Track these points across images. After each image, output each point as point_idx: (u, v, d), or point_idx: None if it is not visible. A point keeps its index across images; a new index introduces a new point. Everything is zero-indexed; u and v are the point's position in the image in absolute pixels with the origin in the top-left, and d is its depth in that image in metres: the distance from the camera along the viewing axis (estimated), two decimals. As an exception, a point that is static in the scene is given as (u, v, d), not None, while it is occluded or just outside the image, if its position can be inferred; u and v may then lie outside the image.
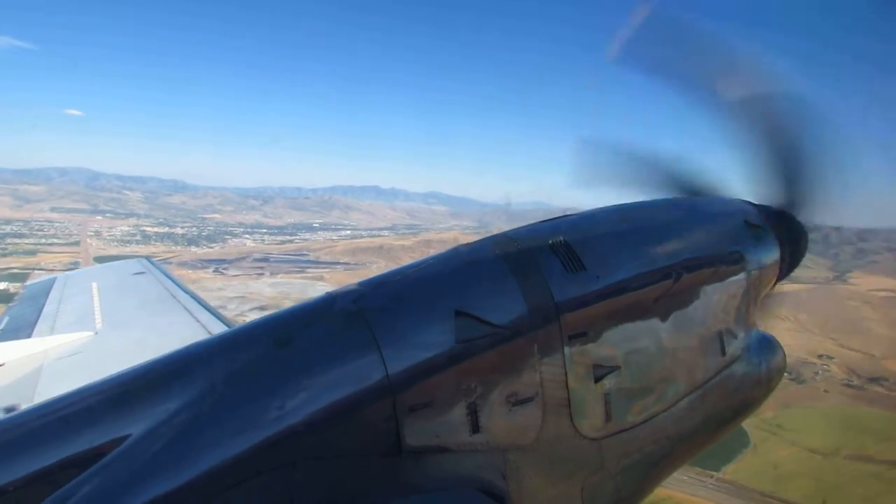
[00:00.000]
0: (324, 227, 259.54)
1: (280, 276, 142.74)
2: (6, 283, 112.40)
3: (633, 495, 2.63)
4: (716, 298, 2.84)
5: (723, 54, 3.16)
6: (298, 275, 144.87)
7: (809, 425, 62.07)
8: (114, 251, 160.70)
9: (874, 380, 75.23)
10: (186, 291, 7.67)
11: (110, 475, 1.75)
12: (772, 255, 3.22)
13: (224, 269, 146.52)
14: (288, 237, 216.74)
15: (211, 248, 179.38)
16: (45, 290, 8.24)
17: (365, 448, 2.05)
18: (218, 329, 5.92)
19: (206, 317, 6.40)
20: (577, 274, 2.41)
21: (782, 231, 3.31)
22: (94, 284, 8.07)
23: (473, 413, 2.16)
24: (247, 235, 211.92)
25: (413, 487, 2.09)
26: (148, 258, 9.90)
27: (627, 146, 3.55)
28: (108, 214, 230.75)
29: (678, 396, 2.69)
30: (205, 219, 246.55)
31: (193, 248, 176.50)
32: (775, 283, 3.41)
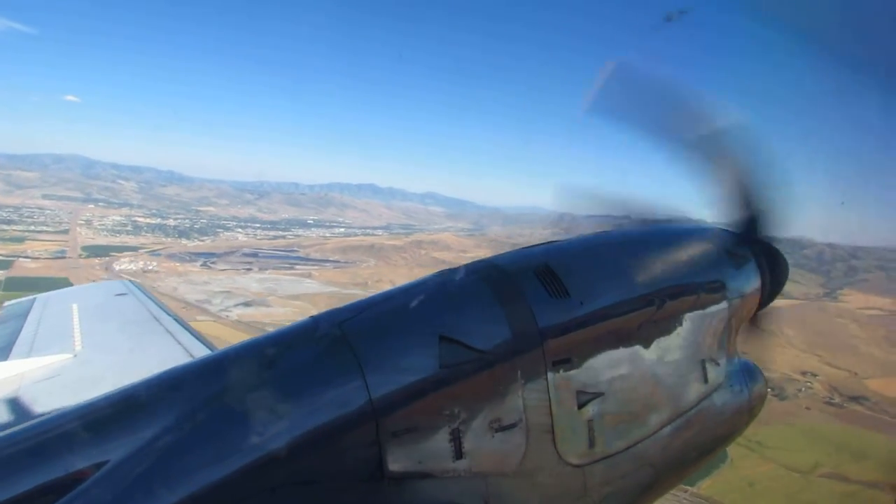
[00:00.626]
0: (318, 224, 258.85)
1: (268, 271, 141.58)
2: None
3: None
4: (698, 326, 2.86)
5: (681, 99, 3.29)
6: (287, 271, 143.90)
7: (789, 442, 61.45)
8: (103, 241, 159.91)
9: (855, 399, 74.76)
10: (169, 314, 7.57)
11: (88, 502, 1.74)
12: (752, 284, 3.26)
13: (212, 262, 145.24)
14: (281, 233, 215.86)
15: (202, 241, 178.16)
16: (25, 311, 8.04)
17: (346, 474, 2.05)
18: (200, 352, 5.93)
19: (188, 340, 6.35)
20: (562, 300, 2.42)
21: (763, 259, 3.35)
22: (75, 306, 7.89)
23: (457, 439, 2.16)
24: (239, 229, 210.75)
25: None
26: (132, 281, 9.73)
27: (605, 195, 3.57)
28: (100, 203, 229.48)
29: (661, 423, 2.69)
30: (199, 211, 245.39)
31: (184, 241, 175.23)
32: (756, 311, 3.46)
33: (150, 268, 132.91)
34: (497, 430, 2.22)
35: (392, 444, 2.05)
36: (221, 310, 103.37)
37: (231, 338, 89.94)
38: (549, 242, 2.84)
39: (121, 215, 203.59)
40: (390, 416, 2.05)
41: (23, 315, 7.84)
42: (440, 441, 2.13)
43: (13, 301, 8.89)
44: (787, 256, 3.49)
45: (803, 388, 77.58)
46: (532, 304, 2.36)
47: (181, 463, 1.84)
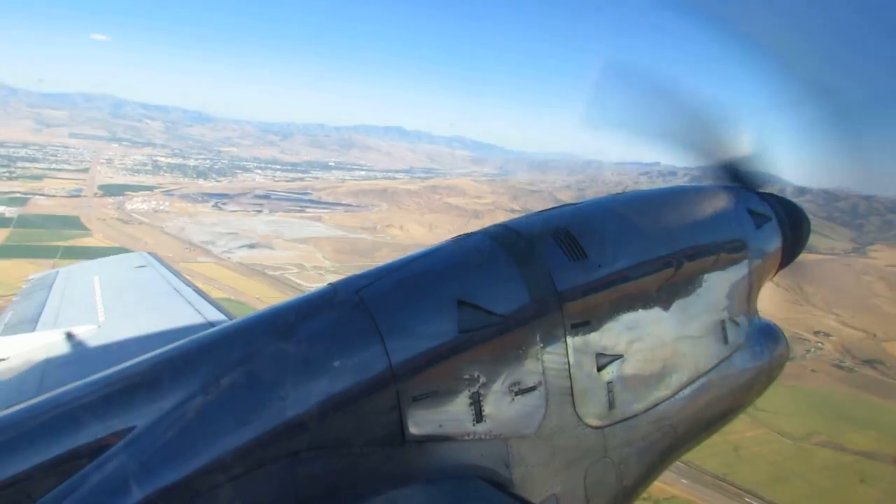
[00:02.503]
0: (339, 167, 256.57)
1: (278, 214, 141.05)
2: (4, 206, 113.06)
3: (635, 483, 2.62)
4: (718, 287, 2.86)
5: (678, 98, 3.17)
6: (297, 214, 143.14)
7: (787, 406, 57.90)
8: (121, 180, 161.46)
9: (868, 362, 70.30)
10: (188, 284, 7.80)
11: (117, 466, 1.83)
12: (774, 243, 3.25)
13: (223, 203, 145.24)
14: (300, 175, 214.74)
15: (219, 181, 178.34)
16: (49, 283, 8.35)
17: (367, 438, 2.10)
18: (219, 321, 6.01)
19: (208, 309, 6.50)
20: (579, 263, 2.45)
21: (784, 218, 3.30)
22: (97, 278, 8.20)
23: (477, 402, 2.20)
24: (259, 171, 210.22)
25: (416, 477, 2.13)
26: (151, 253, 9.98)
27: (652, 80, 3.32)
28: (125, 143, 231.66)
29: (680, 384, 2.71)
30: (221, 152, 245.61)
31: (201, 181, 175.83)
32: (778, 271, 3.41)
33: (162, 207, 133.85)
34: (517, 394, 2.26)
35: (413, 409, 2.10)
36: (224, 251, 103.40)
37: (229, 280, 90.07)
38: (566, 205, 2.80)
39: (143, 155, 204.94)
40: (410, 381, 2.10)
41: (47, 287, 8.09)
42: (460, 405, 2.17)
43: (38, 274, 9.18)
44: (809, 213, 3.41)
45: (813, 350, 73.37)
46: (550, 268, 2.37)
47: (205, 428, 1.90)
